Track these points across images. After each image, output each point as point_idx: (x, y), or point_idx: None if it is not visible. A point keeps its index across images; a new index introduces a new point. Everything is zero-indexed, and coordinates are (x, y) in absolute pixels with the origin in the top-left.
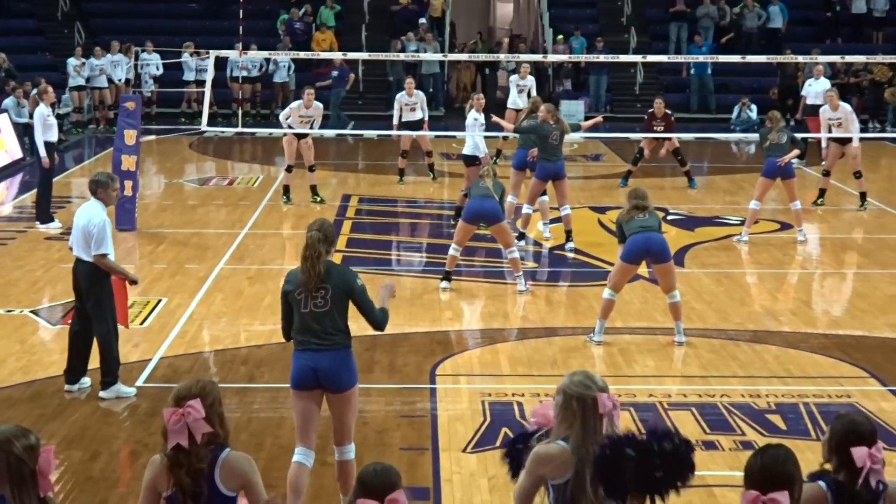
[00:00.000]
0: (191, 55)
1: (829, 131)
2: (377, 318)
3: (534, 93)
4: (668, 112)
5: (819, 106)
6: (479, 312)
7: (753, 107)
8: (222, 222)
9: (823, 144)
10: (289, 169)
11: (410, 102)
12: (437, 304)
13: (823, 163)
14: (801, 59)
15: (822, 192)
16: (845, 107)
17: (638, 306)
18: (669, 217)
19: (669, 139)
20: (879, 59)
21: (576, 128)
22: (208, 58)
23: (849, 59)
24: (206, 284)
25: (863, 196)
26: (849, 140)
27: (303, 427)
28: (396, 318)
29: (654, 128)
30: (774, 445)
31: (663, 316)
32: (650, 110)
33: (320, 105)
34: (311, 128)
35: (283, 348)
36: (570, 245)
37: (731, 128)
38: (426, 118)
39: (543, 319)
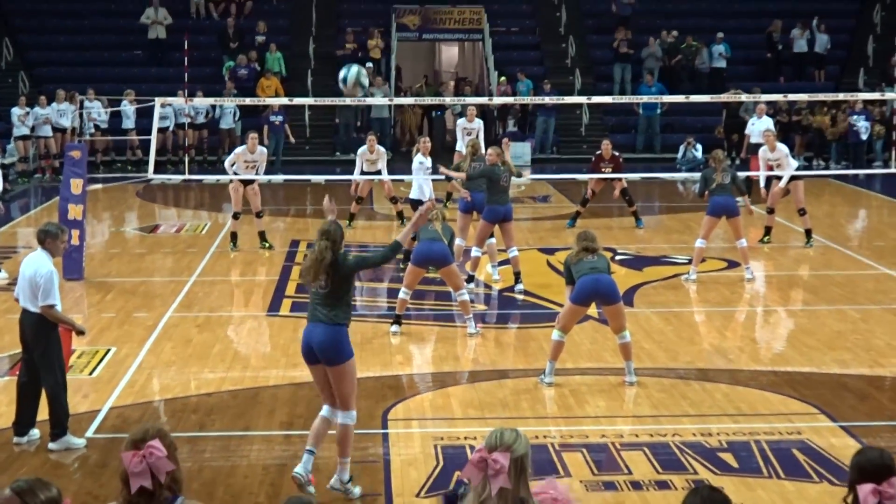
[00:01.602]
0: (131, 103)
1: (770, 171)
2: (385, 256)
3: (481, 136)
4: (616, 154)
5: (760, 145)
6: (429, 356)
7: (699, 146)
8: (170, 270)
9: (762, 184)
10: (235, 216)
11: (371, 158)
12: (388, 349)
13: (767, 201)
14: (743, 97)
15: (767, 230)
16: (782, 148)
17: (588, 347)
18: (618, 257)
19: (619, 180)
20: (822, 97)
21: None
22: (153, 105)
23: (791, 97)
24: (154, 333)
25: (808, 233)
26: (792, 178)
27: (322, 391)
28: None
29: (602, 169)
30: (711, 488)
31: (613, 356)
32: (598, 152)
33: (264, 150)
34: (257, 173)
35: (233, 396)
36: (520, 287)
37: (677, 167)
38: (384, 173)
39: (494, 362)
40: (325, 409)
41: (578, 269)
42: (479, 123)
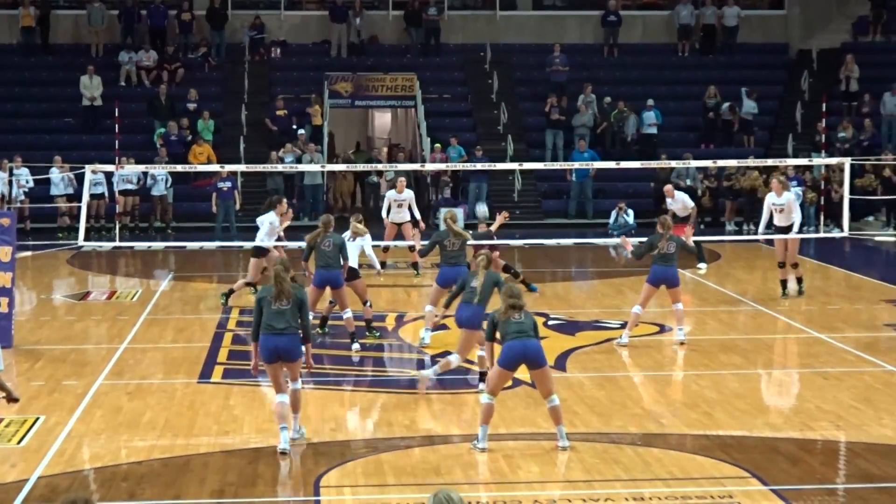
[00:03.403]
0: (59, 169)
1: (771, 217)
2: (307, 325)
3: (414, 206)
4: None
5: (684, 217)
6: (362, 422)
7: (630, 211)
8: (101, 337)
9: (761, 229)
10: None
11: (399, 199)
12: (320, 415)
13: (787, 259)
14: (674, 163)
15: (799, 280)
16: (789, 194)
17: (521, 412)
18: (550, 322)
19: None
20: (751, 162)
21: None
22: (83, 172)
23: (720, 163)
24: (84, 401)
25: (799, 280)
26: (790, 229)
27: (275, 382)
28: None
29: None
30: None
31: (546, 421)
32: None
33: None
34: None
35: (163, 464)
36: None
37: (609, 232)
38: (418, 217)
39: (428, 428)
40: (278, 397)
41: (506, 330)
42: (409, 194)
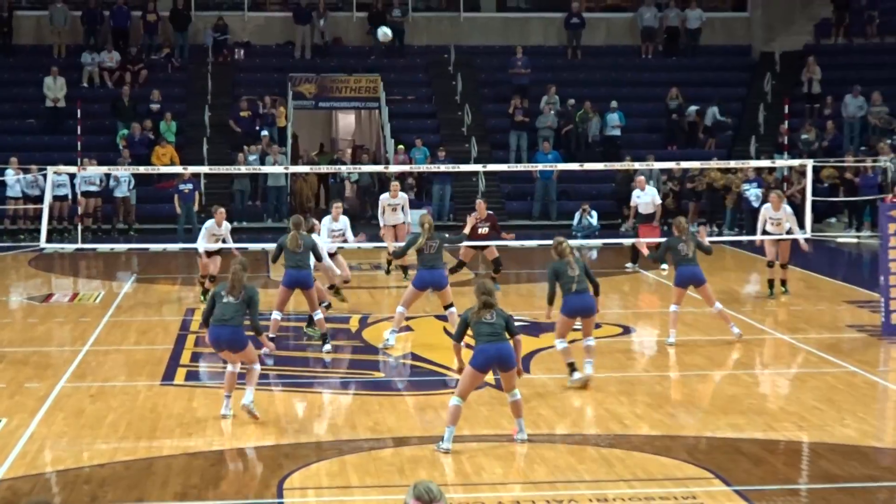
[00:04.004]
0: (15, 171)
1: (766, 228)
2: (256, 321)
3: (407, 210)
4: (491, 212)
5: (650, 214)
6: (326, 424)
7: (594, 213)
8: (64, 339)
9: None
10: (212, 278)
11: (393, 203)
12: (284, 417)
13: (779, 258)
14: (637, 165)
15: (783, 283)
16: (787, 208)
17: (485, 413)
18: (515, 323)
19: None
20: (713, 164)
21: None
22: (45, 174)
23: (683, 164)
24: (46, 403)
25: (783, 282)
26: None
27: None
28: (242, 433)
29: (479, 229)
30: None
31: (510, 422)
32: (473, 213)
33: (228, 225)
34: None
35: (126, 467)
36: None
37: (573, 234)
38: (409, 221)
39: (391, 429)
40: (229, 366)
41: (478, 332)
42: (403, 198)
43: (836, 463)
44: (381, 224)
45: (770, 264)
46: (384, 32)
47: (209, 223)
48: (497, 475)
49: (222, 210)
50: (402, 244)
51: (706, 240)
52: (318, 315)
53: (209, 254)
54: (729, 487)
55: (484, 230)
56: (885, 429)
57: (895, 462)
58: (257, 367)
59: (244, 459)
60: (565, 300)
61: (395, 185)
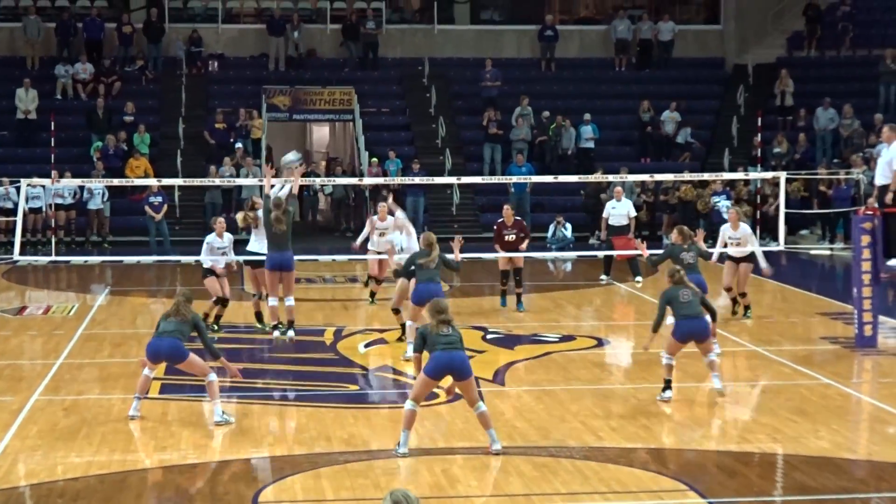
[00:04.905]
0: None
1: (728, 253)
2: (208, 344)
3: (412, 234)
4: (519, 218)
5: (624, 226)
6: (300, 437)
7: (568, 225)
8: (37, 352)
9: (714, 258)
10: (223, 302)
11: (381, 227)
12: (258, 430)
13: (735, 287)
14: (610, 177)
15: (744, 308)
16: (745, 227)
17: (460, 426)
18: (489, 336)
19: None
20: (687, 176)
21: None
22: (18, 186)
23: (657, 177)
24: (20, 417)
25: (745, 308)
26: (745, 258)
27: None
28: (217, 446)
29: (506, 237)
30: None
31: (485, 435)
32: (500, 220)
33: (230, 236)
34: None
35: (100, 480)
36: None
37: (547, 246)
38: (410, 246)
39: (366, 442)
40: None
41: (434, 341)
42: (391, 221)
43: (810, 475)
44: (369, 247)
45: (728, 289)
46: (289, 160)
47: (210, 237)
48: (472, 488)
49: (222, 220)
50: (402, 263)
51: (703, 245)
52: (290, 301)
53: (214, 273)
54: (703, 500)
55: (511, 238)
56: (859, 440)
57: (869, 474)
58: (212, 377)
59: (219, 473)
60: (678, 325)
61: (382, 207)
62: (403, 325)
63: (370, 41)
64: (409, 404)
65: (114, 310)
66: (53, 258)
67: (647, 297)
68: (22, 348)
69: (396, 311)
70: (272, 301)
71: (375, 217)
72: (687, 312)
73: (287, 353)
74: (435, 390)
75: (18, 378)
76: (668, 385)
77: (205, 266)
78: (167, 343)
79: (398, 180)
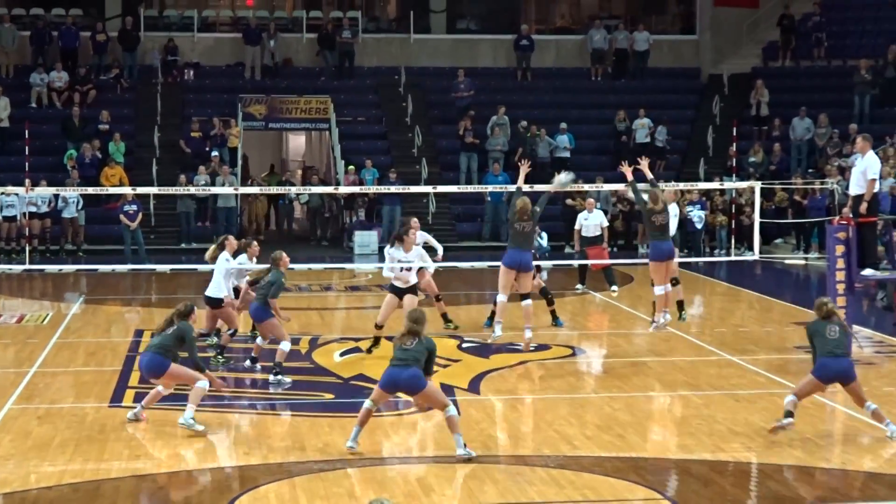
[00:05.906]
0: None
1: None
2: (194, 357)
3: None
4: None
5: (597, 237)
6: (275, 446)
7: (544, 234)
8: (10, 361)
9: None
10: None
11: (406, 261)
12: (233, 439)
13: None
14: (587, 187)
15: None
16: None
17: (435, 435)
18: (464, 345)
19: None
20: (663, 185)
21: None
22: None
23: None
24: None
25: (680, 304)
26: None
27: None
28: (191, 455)
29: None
30: None
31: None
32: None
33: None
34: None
35: (73, 489)
36: None
37: None
38: (439, 247)
39: (341, 451)
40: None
41: (393, 355)
42: (418, 252)
43: (784, 484)
44: (392, 280)
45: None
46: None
47: (242, 258)
48: (447, 497)
49: (256, 244)
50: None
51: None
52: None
53: (221, 301)
54: None
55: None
56: (833, 449)
57: (843, 483)
58: (201, 384)
59: (193, 481)
60: (821, 362)
61: (411, 235)
62: (378, 339)
63: (346, 50)
64: (366, 402)
65: (88, 318)
66: (27, 266)
67: (623, 307)
68: None
69: (379, 327)
70: None
71: (395, 250)
72: (835, 350)
73: (263, 362)
74: (410, 399)
75: None
76: (789, 415)
77: (221, 295)
78: (144, 359)
79: (374, 189)
